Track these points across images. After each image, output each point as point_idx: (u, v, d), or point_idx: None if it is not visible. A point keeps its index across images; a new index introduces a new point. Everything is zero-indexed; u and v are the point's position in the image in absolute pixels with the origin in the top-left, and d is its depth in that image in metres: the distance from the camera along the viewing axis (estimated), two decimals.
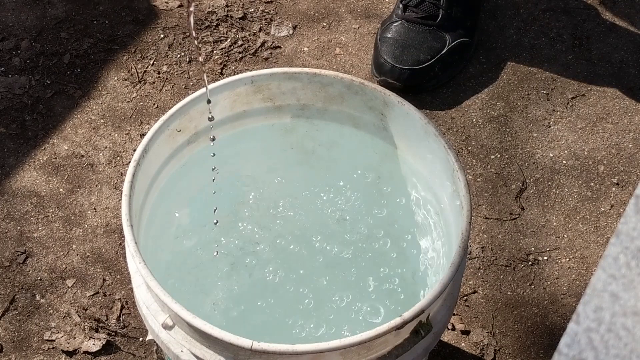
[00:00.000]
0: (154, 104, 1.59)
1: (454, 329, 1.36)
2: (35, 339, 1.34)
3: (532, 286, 1.40)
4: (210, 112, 1.14)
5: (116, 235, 1.44)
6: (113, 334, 1.35)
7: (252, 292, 1.31)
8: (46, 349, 1.33)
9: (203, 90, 1.13)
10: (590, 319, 0.58)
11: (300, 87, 1.16)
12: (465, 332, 1.36)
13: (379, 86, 1.15)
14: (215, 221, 1.28)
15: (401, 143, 1.17)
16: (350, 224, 1.31)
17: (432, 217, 1.18)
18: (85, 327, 1.35)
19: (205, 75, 1.37)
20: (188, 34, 1.67)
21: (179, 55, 1.65)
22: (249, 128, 1.20)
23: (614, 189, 1.50)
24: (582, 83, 1.63)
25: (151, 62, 1.64)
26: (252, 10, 1.72)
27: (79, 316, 1.36)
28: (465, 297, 1.39)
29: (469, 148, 1.54)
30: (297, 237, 1.33)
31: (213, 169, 1.22)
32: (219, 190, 1.25)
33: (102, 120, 1.57)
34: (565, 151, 1.54)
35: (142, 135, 1.54)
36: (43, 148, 1.53)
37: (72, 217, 1.45)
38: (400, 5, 1.63)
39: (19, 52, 1.64)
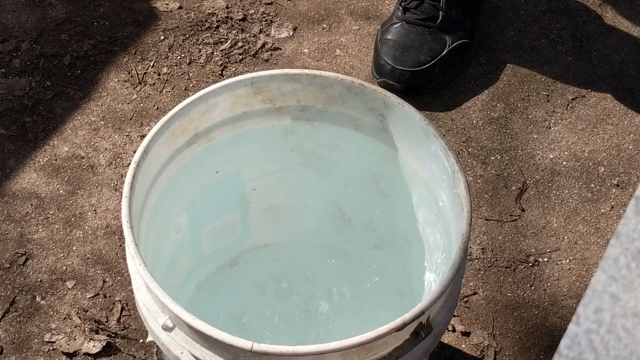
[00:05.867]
0: (154, 106, 1.59)
1: (454, 330, 1.36)
2: (35, 340, 1.34)
3: (533, 287, 1.40)
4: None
5: (116, 237, 1.44)
6: (113, 335, 1.35)
7: (251, 291, 1.31)
8: (46, 351, 1.33)
9: (203, 91, 1.13)
10: (591, 321, 0.58)
11: (300, 89, 1.16)
12: (466, 334, 1.36)
13: (379, 87, 1.15)
14: (215, 222, 1.28)
15: (401, 144, 1.17)
16: (351, 225, 1.31)
17: (432, 219, 1.18)
18: (86, 328, 1.35)
19: None
20: (188, 35, 1.67)
21: (179, 57, 1.65)
22: (249, 129, 1.20)
23: (614, 190, 1.50)
24: (583, 84, 1.63)
25: (151, 64, 1.64)
26: (252, 11, 1.72)
27: (79, 318, 1.36)
28: (465, 299, 1.39)
29: (469, 149, 1.54)
30: (296, 238, 1.33)
31: (216, 173, 1.22)
32: (219, 191, 1.25)
33: (102, 122, 1.57)
34: (566, 152, 1.54)
35: (142, 136, 1.54)
36: (43, 150, 1.53)
37: (72, 219, 1.45)
38: (400, 7, 1.63)
39: (19, 53, 1.64)
